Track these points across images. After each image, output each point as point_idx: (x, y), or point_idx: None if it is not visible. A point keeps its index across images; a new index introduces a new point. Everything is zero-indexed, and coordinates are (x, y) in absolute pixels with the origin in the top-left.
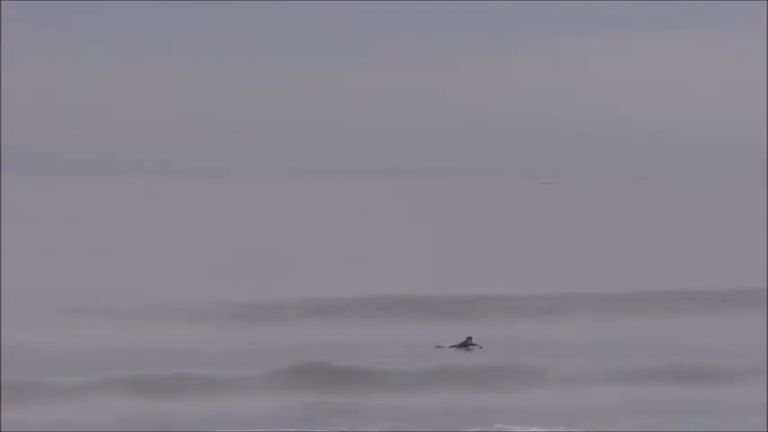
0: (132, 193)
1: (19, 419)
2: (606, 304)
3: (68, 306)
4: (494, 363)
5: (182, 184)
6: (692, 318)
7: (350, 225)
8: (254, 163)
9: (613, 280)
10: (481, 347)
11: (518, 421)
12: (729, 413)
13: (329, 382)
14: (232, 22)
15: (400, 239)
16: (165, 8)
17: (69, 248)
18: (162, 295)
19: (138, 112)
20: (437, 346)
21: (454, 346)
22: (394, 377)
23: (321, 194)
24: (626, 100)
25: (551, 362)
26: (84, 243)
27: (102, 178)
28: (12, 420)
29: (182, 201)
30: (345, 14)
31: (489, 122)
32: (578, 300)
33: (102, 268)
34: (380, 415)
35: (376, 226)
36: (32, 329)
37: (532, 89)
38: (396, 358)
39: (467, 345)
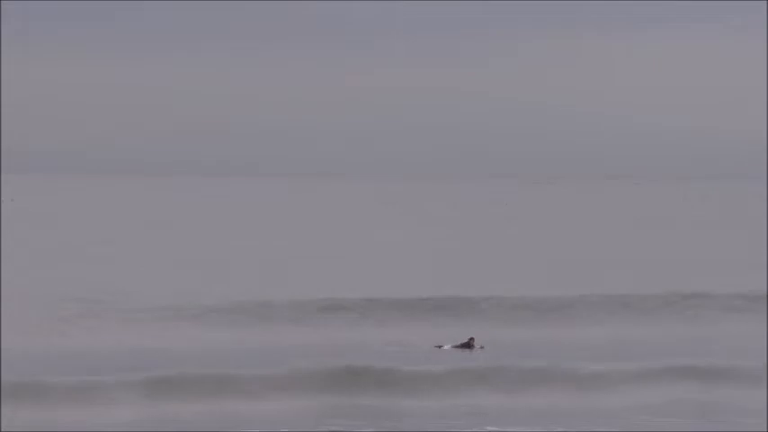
0: (133, 193)
1: (34, 420)
2: (609, 305)
3: (79, 307)
4: (495, 364)
5: (182, 184)
6: (693, 319)
7: (351, 225)
8: (255, 163)
9: (615, 281)
10: (482, 348)
11: (514, 423)
12: (729, 414)
13: (334, 383)
14: (232, 22)
15: (403, 240)
16: (165, 8)
17: (73, 249)
18: (169, 296)
19: (139, 112)
20: (437, 347)
21: (455, 347)
22: (403, 378)
23: (322, 194)
24: (641, 99)
25: (554, 363)
26: (89, 244)
27: (101, 178)
28: (29, 421)
29: (181, 201)
30: (345, 14)
31: (497, 121)
32: (581, 301)
33: (109, 269)
34: (384, 415)
35: (378, 226)
36: (44, 331)
37: (541, 87)
38: (404, 358)
39: (468, 345)
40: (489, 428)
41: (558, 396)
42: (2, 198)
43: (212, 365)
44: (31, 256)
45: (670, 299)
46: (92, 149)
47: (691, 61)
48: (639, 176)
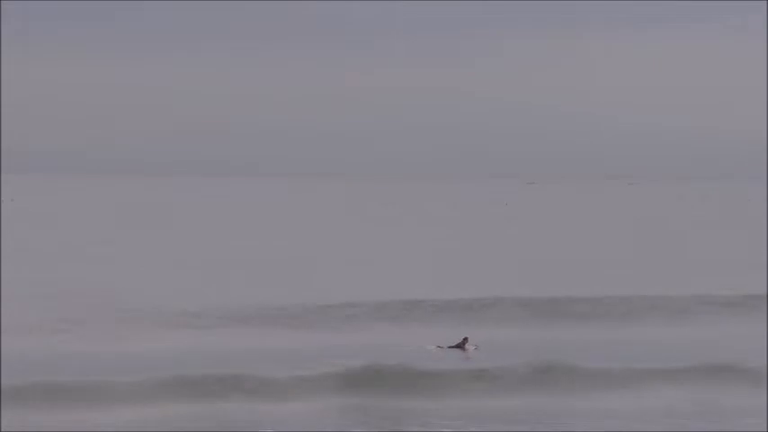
0: (133, 193)
1: (38, 420)
2: (608, 306)
3: (79, 308)
4: (492, 364)
5: (182, 184)
6: (693, 320)
7: (351, 227)
8: (255, 163)
9: (614, 282)
10: (476, 348)
11: (514, 423)
12: (729, 414)
13: (334, 385)
14: (232, 22)
15: (402, 241)
16: (165, 8)
17: (73, 249)
18: (170, 297)
19: (139, 112)
20: (438, 347)
21: (450, 347)
22: (403, 378)
23: (322, 194)
24: (643, 99)
25: (554, 363)
26: (89, 244)
27: (101, 178)
28: (69, 422)
29: (181, 201)
30: (345, 14)
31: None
32: (578, 302)
33: (109, 269)
34: (386, 415)
35: (377, 227)
36: (45, 332)
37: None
38: (403, 359)
39: (462, 346)
40: (487, 429)
41: (559, 396)
42: (2, 198)
43: (214, 367)
44: (31, 256)
45: (669, 299)
46: (92, 149)
47: (691, 61)
48: (639, 176)
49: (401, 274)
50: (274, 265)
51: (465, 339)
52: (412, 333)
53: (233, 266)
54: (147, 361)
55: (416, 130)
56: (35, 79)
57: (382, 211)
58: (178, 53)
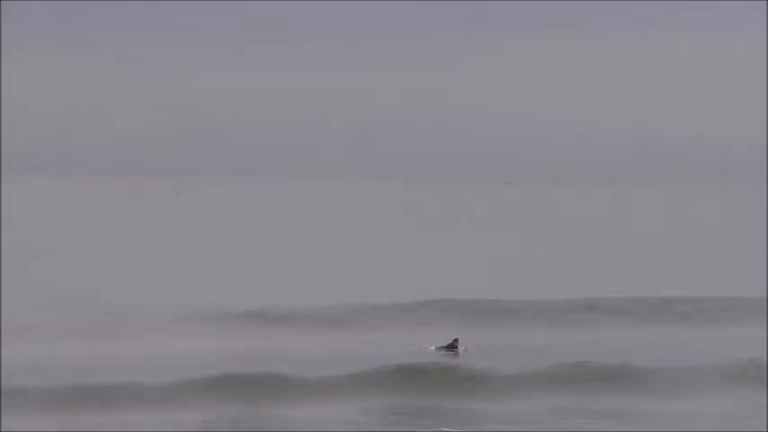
0: (134, 193)
1: (92, 422)
2: (607, 308)
3: (79, 309)
4: (485, 365)
5: (183, 184)
6: (692, 321)
7: (354, 228)
8: (255, 163)
9: (614, 284)
10: (466, 349)
11: (510, 424)
12: (730, 414)
13: (339, 388)
14: (232, 22)
15: (401, 242)
16: (166, 8)
17: (72, 249)
18: (174, 299)
19: (139, 113)
20: (432, 347)
21: (440, 348)
22: (405, 378)
23: (322, 195)
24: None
25: (554, 364)
26: (88, 244)
27: (101, 178)
28: (68, 423)
29: (181, 201)
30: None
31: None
32: (576, 303)
33: (109, 269)
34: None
35: (384, 228)
36: (47, 333)
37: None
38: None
39: (453, 347)
40: (487, 429)
41: (559, 396)
42: (2, 198)
43: (214, 368)
44: (31, 256)
45: (668, 301)
46: (92, 149)
47: (691, 61)
48: (640, 177)
49: (400, 274)
50: (274, 265)
51: (455, 340)
52: (412, 334)
53: (232, 267)
54: (149, 362)
55: (416, 130)
56: (36, 79)
57: (382, 211)
58: (178, 53)
